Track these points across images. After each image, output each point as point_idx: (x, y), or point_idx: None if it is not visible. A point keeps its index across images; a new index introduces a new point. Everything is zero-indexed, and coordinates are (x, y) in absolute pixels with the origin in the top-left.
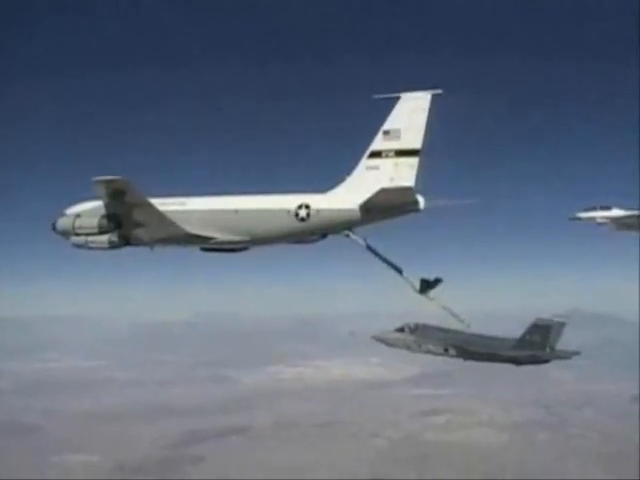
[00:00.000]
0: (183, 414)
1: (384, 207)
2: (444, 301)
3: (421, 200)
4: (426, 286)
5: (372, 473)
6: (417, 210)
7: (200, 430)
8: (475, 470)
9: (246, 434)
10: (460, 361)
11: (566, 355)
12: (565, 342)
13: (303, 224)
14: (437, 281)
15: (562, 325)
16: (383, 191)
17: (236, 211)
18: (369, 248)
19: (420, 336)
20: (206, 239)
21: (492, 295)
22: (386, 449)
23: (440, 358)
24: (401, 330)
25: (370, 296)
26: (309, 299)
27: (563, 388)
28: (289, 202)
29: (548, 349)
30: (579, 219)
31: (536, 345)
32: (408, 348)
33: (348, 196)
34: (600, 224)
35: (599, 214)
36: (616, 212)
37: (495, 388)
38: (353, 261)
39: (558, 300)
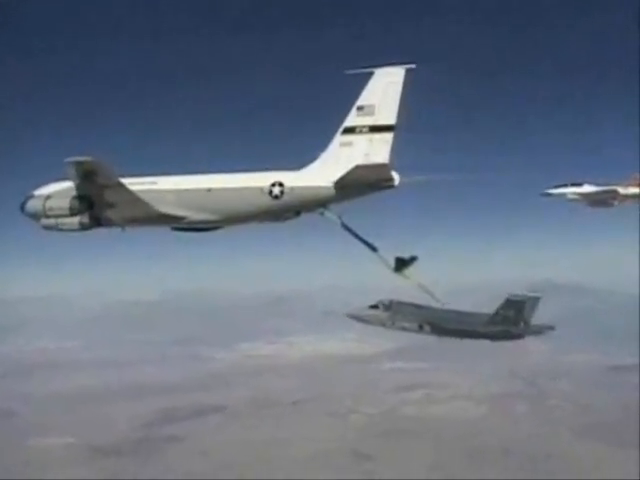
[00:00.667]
0: (158, 393)
1: (359, 184)
2: (420, 279)
3: (396, 176)
4: (401, 264)
5: (351, 449)
6: (392, 187)
7: (176, 409)
8: (455, 443)
9: (223, 412)
10: (436, 337)
11: (540, 330)
12: (539, 313)
13: (277, 202)
14: (412, 259)
15: (536, 300)
16: (358, 168)
17: (208, 190)
18: (344, 226)
19: (394, 313)
20: (178, 219)
21: (468, 269)
22: (364, 425)
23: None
24: (375, 307)
25: (345, 274)
26: (284, 277)
27: (540, 360)
28: (262, 180)
29: (522, 324)
30: (550, 195)
31: (510, 320)
32: (383, 325)
33: (322, 173)
34: (571, 200)
35: (570, 190)
36: (587, 188)
37: (472, 361)
38: (328, 239)
39: (531, 272)
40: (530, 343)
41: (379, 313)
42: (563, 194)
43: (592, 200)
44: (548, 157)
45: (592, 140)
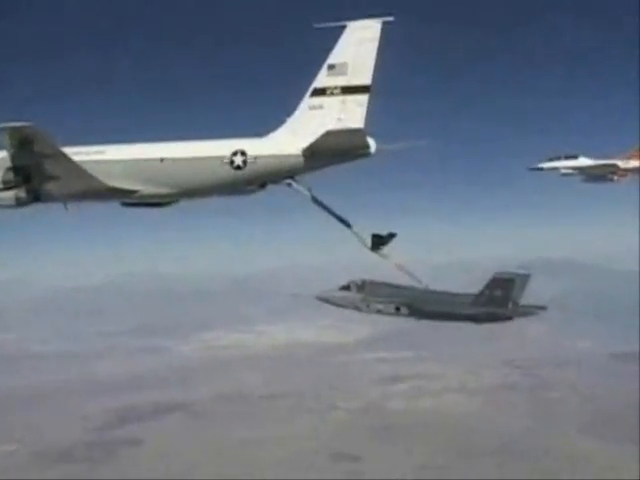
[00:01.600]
0: (111, 391)
1: (331, 151)
2: (399, 258)
3: (372, 143)
4: (378, 242)
5: (331, 449)
6: (368, 155)
7: (133, 408)
8: (446, 442)
9: (186, 411)
10: (421, 322)
11: (531, 311)
12: (532, 294)
13: (239, 173)
14: (390, 236)
15: (526, 278)
16: (329, 133)
17: (162, 160)
18: (314, 199)
19: (368, 294)
20: (128, 193)
21: (453, 247)
22: (346, 422)
23: (396, 317)
24: (347, 288)
25: (316, 253)
26: (248, 257)
27: (537, 346)
28: (222, 148)
29: (511, 305)
30: (541, 169)
31: (497, 301)
32: (356, 308)
33: (289, 140)
34: (565, 175)
35: (564, 164)
36: (584, 161)
37: (462, 348)
38: (296, 214)
39: (522, 251)
40: (526, 328)
41: (351, 295)
42: (556, 168)
43: (588, 175)
44: (539, 125)
45: (586, 109)
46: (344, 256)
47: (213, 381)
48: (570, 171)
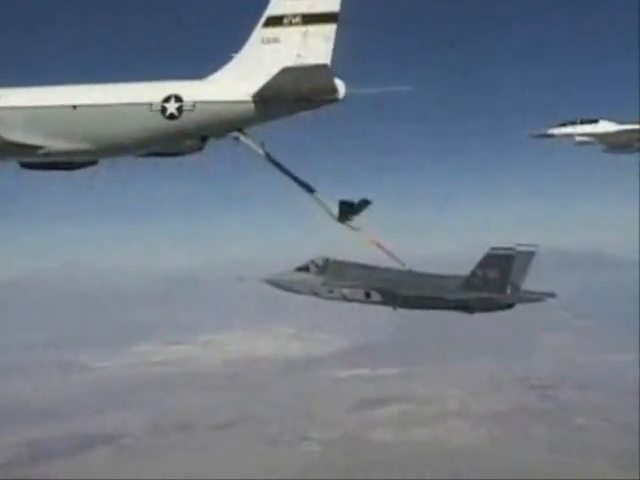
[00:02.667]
0: (20, 420)
1: (288, 96)
2: (374, 232)
3: (341, 86)
4: (348, 211)
5: None
6: (336, 100)
7: (47, 441)
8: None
9: (114, 444)
10: (408, 327)
11: (535, 297)
12: (541, 286)
13: (173, 124)
14: (363, 204)
15: (529, 256)
16: (286, 72)
17: (75, 107)
18: (268, 158)
19: (331, 276)
20: (30, 149)
21: (441, 227)
22: (319, 456)
23: (379, 324)
24: (304, 269)
25: (272, 230)
26: (188, 242)
27: (558, 358)
28: (152, 93)
29: (509, 289)
30: (550, 136)
31: (492, 284)
32: (315, 293)
33: (236, 82)
34: (581, 143)
35: (580, 130)
36: (606, 126)
37: (461, 362)
38: (246, 179)
39: (527, 235)
40: (543, 337)
41: (310, 277)
42: (570, 135)
43: (611, 143)
44: (551, 78)
45: (599, 66)
46: (307, 231)
47: (147, 407)
48: (588, 139)
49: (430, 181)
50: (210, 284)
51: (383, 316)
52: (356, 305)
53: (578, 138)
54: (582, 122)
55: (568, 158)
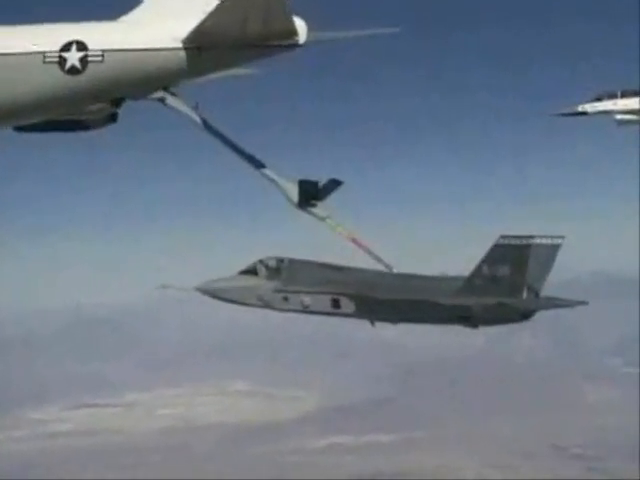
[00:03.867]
0: None
1: (231, 40)
2: (348, 224)
3: (302, 27)
4: (310, 193)
5: None
6: (295, 46)
7: None
8: None
9: None
10: (400, 377)
11: (561, 303)
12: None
13: (75, 81)
14: (332, 185)
15: (553, 250)
16: (228, 7)
17: None
18: (205, 125)
19: (287, 280)
20: None
21: (437, 218)
22: None
23: (364, 373)
24: (251, 272)
25: (215, 230)
26: (103, 258)
27: (610, 415)
28: (45, 39)
29: (526, 292)
30: (582, 114)
31: (502, 285)
32: (266, 304)
33: (160, 23)
34: (622, 123)
35: (621, 105)
36: None
37: (475, 421)
38: (177, 156)
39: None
40: (582, 387)
41: (258, 282)
42: (609, 112)
43: None
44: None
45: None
46: (260, 227)
47: None
48: (631, 117)
49: (420, 163)
50: (137, 324)
51: (369, 360)
52: (331, 347)
53: (619, 116)
54: (625, 95)
55: (604, 143)
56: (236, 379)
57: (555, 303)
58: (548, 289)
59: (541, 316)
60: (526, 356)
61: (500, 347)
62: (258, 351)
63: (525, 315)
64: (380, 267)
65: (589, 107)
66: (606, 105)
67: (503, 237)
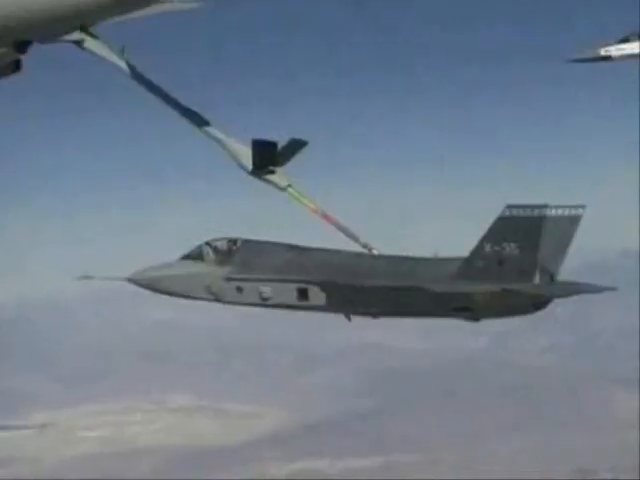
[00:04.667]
0: None
1: None
2: (317, 195)
3: None
4: (267, 157)
5: None
6: None
7: None
8: None
9: None
10: (385, 383)
11: (583, 289)
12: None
13: None
14: (294, 146)
15: (572, 222)
16: None
17: None
18: (134, 74)
19: (241, 266)
20: None
21: (435, 192)
22: None
23: (339, 380)
24: (195, 257)
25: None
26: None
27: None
28: None
29: (539, 275)
30: (605, 59)
31: (510, 267)
32: (215, 296)
33: None
34: None
35: None
36: None
37: (482, 438)
38: (95, 112)
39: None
40: (615, 394)
41: (205, 268)
42: (634, 56)
43: None
44: None
45: None
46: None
47: None
48: None
49: (407, 112)
50: (52, 325)
51: (346, 366)
52: (298, 350)
53: None
54: None
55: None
56: (178, 392)
57: (575, 289)
58: (566, 272)
59: (558, 306)
60: (540, 358)
61: (507, 347)
62: (206, 356)
63: (538, 305)
64: (357, 248)
65: (614, 50)
66: (633, 47)
67: (509, 207)
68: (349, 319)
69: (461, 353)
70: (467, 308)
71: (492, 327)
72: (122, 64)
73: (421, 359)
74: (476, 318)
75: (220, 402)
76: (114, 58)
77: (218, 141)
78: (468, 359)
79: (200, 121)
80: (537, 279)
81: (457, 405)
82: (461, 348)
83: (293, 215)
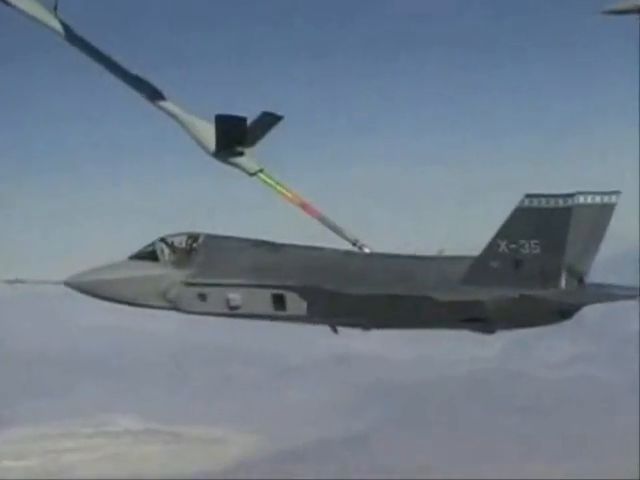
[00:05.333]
0: None
1: None
2: (296, 182)
3: None
4: (233, 135)
5: None
6: None
7: None
8: None
9: None
10: (375, 397)
11: (622, 294)
12: None
13: None
14: (266, 122)
15: (606, 212)
16: None
17: None
18: (68, 34)
19: (204, 267)
20: None
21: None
22: None
23: (321, 394)
24: (148, 256)
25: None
26: None
27: None
28: None
29: (565, 278)
30: None
31: (530, 268)
32: (172, 304)
33: None
34: None
35: None
36: None
37: (491, 466)
38: (23, 77)
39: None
40: None
41: (159, 270)
42: None
43: None
44: None
45: None
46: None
47: None
48: None
49: (404, 79)
50: None
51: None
52: (271, 362)
53: None
54: None
55: None
56: (123, 412)
57: (609, 295)
58: (596, 272)
59: (587, 313)
60: (561, 372)
61: (522, 359)
62: (157, 368)
63: (565, 313)
64: (345, 245)
65: None
66: None
67: (529, 197)
68: (335, 330)
69: (464, 364)
70: (478, 318)
71: (503, 332)
72: (55, 23)
73: (415, 372)
74: (489, 330)
75: (174, 425)
76: (44, 16)
77: (173, 117)
78: (473, 372)
79: (152, 93)
80: (563, 283)
81: (459, 429)
82: (464, 358)
83: (267, 205)
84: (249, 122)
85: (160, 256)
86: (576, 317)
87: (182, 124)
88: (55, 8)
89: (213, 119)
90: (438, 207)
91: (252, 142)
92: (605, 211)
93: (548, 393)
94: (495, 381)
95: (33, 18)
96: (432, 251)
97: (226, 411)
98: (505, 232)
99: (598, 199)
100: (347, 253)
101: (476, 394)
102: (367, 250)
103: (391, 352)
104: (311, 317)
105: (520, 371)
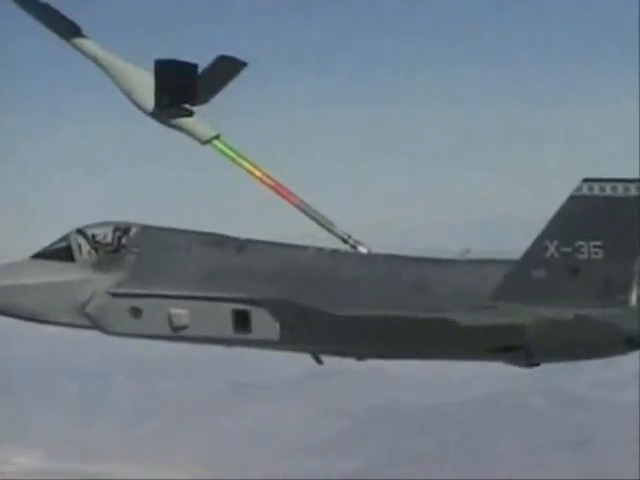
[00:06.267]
0: None
1: None
2: (266, 155)
3: None
4: (179, 86)
5: None
6: None
7: None
8: None
9: None
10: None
11: None
12: None
13: None
14: (224, 70)
15: None
16: None
17: None
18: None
19: (138, 270)
20: None
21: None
22: None
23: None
24: (60, 256)
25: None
26: None
27: None
28: None
29: (635, 293)
30: None
31: (589, 280)
32: (93, 321)
33: None
34: None
35: None
36: None
37: None
38: None
39: None
40: None
41: (74, 274)
42: None
43: None
44: None
45: None
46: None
47: None
48: None
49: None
50: None
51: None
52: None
53: None
54: None
55: None
56: (20, 447)
57: None
58: None
59: None
60: (618, 394)
61: (567, 376)
62: (66, 388)
63: (634, 340)
64: (335, 243)
65: None
66: None
67: (587, 182)
68: (319, 361)
69: (485, 384)
70: (516, 347)
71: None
72: None
73: (424, 392)
74: (531, 363)
75: (88, 463)
76: None
77: (97, 62)
78: (494, 394)
79: (67, 30)
80: (634, 299)
81: (476, 462)
82: (484, 375)
83: (224, 186)
84: (201, 69)
85: (77, 254)
86: None
87: (108, 72)
88: None
89: (152, 67)
90: None
91: (205, 98)
92: None
93: (602, 422)
94: (534, 407)
95: None
96: (454, 250)
97: (166, 444)
98: (555, 230)
99: None
100: (336, 254)
101: (498, 421)
102: (363, 249)
103: (387, 366)
104: (284, 342)
105: (567, 392)
